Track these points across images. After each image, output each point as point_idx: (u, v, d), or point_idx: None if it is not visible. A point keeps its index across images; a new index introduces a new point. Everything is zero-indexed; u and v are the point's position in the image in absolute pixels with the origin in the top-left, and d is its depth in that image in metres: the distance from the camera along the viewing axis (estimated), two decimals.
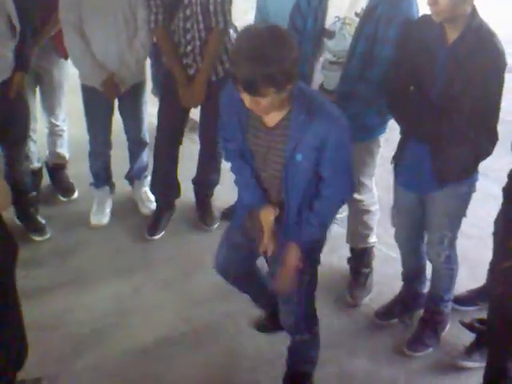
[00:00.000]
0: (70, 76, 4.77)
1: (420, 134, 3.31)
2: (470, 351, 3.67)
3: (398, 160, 3.55)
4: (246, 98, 2.64)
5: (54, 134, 4.91)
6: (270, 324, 3.81)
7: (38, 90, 4.73)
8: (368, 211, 4.04)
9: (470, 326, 3.68)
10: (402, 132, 3.52)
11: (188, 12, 4.09)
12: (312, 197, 2.93)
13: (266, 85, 2.53)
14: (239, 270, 3.39)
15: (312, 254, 3.14)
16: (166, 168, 4.65)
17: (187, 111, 4.52)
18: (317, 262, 3.23)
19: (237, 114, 2.86)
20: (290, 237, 2.99)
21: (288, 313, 3.30)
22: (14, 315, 3.00)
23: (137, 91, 4.54)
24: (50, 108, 4.81)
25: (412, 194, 3.58)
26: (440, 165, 3.31)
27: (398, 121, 3.47)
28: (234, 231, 3.31)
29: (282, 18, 3.59)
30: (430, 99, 3.23)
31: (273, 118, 2.79)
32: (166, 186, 4.71)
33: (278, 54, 2.51)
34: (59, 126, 4.91)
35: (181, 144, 4.62)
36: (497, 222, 3.63)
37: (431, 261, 3.72)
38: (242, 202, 3.21)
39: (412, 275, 3.91)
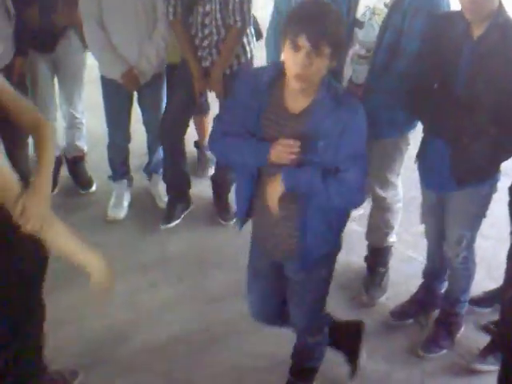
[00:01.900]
0: (88, 67, 4.77)
1: (441, 131, 3.28)
2: (484, 354, 3.64)
3: (420, 159, 3.53)
4: (298, 59, 2.60)
5: (72, 126, 4.92)
6: None
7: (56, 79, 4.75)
8: (391, 209, 4.01)
9: (485, 329, 3.67)
10: (424, 130, 3.49)
11: (207, 8, 4.09)
12: None
13: (325, 41, 2.57)
14: (275, 319, 3.40)
15: (328, 261, 3.13)
16: (174, 158, 4.65)
17: (195, 103, 4.51)
18: (332, 269, 3.20)
19: (256, 98, 2.81)
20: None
21: (300, 316, 3.28)
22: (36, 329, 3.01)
23: (156, 83, 4.53)
24: (67, 99, 4.82)
25: (433, 192, 3.56)
26: (459, 165, 3.27)
27: (420, 118, 3.44)
28: (255, 256, 3.24)
29: None
30: (453, 95, 3.20)
31: (299, 104, 2.76)
32: (175, 176, 4.71)
33: (336, 19, 2.64)
34: (78, 119, 4.91)
35: (184, 134, 4.60)
36: None
37: (449, 261, 3.69)
38: (241, 194, 3.10)
39: (433, 272, 3.89)
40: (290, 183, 2.78)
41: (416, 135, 3.78)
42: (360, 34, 3.50)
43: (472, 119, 3.11)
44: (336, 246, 3.14)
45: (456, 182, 3.33)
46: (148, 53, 4.30)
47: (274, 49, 3.94)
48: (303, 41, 2.58)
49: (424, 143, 3.50)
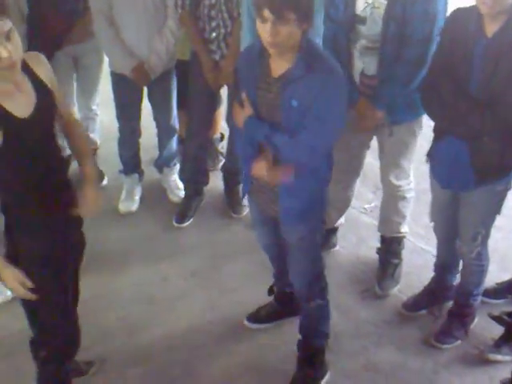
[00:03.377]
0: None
1: (458, 131, 3.26)
2: (498, 344, 3.64)
3: (432, 157, 3.52)
4: (266, 29, 2.72)
5: (87, 118, 4.94)
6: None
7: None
8: (404, 198, 4.01)
9: (498, 319, 3.65)
10: (436, 130, 3.47)
11: (213, 0, 4.09)
12: None
13: (289, 9, 2.66)
14: (275, 250, 3.56)
15: (317, 213, 3.23)
16: (196, 153, 4.66)
17: (216, 94, 4.52)
18: (323, 221, 3.32)
19: (251, 70, 2.97)
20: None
21: (297, 277, 3.39)
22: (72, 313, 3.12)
23: (166, 78, 4.54)
24: (86, 92, 4.84)
25: (447, 190, 3.54)
26: (480, 162, 3.25)
27: (435, 118, 3.41)
28: (251, 205, 3.47)
29: None
30: (468, 93, 3.17)
31: (279, 69, 2.88)
32: (195, 172, 4.73)
33: None
34: (93, 111, 4.95)
35: (211, 129, 4.63)
36: None
37: (462, 256, 3.68)
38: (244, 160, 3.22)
39: (445, 266, 3.88)
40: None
41: (424, 132, 3.80)
42: (363, 29, 3.52)
43: (492, 117, 3.09)
44: (316, 204, 3.20)
45: (476, 180, 3.30)
46: (158, 48, 4.30)
47: (248, 31, 3.90)
48: (267, 13, 2.69)
49: (436, 142, 3.45)
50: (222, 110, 4.89)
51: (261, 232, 3.53)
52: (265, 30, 2.74)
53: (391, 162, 3.88)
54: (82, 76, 4.77)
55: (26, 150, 2.65)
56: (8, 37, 2.47)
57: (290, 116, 2.87)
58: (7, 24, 2.47)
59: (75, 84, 4.82)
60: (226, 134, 5.03)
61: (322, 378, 3.54)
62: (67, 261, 2.94)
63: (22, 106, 2.63)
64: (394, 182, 3.91)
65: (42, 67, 2.78)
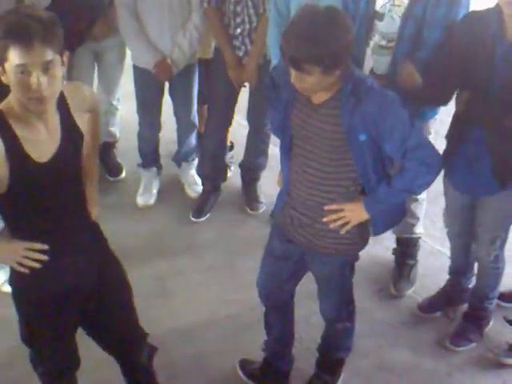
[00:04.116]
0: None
1: (479, 137, 3.24)
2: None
3: (448, 162, 3.50)
4: (292, 74, 2.64)
5: (108, 112, 4.92)
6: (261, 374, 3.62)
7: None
8: (415, 200, 4.00)
9: None
10: (451, 134, 3.45)
11: None
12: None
13: (310, 64, 2.55)
14: (279, 296, 3.37)
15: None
16: (214, 150, 4.67)
17: (237, 92, 4.53)
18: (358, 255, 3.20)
19: (286, 89, 2.84)
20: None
21: (328, 307, 3.32)
22: None
23: (188, 73, 4.54)
24: (108, 86, 4.85)
25: (464, 196, 3.52)
26: (501, 166, 3.23)
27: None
28: (274, 235, 3.25)
29: None
30: (488, 99, 3.15)
31: (320, 96, 2.77)
32: (213, 169, 4.74)
33: (327, 36, 2.53)
34: (113, 105, 4.95)
35: (230, 125, 4.64)
36: None
37: (479, 259, 3.68)
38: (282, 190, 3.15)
39: (459, 270, 3.88)
40: (373, 211, 2.91)
41: (439, 130, 3.79)
42: (380, 25, 3.49)
43: None
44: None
45: (499, 184, 3.28)
46: (181, 43, 4.31)
47: (275, 25, 3.90)
48: (288, 63, 2.62)
49: (452, 146, 3.42)
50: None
51: (272, 268, 3.28)
52: (292, 74, 2.66)
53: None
54: (103, 72, 4.77)
55: (39, 195, 2.47)
56: (46, 68, 2.25)
57: (362, 152, 2.78)
58: (48, 54, 2.25)
59: (96, 79, 4.82)
60: (236, 142, 5.08)
61: (338, 380, 3.56)
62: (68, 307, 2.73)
63: (42, 146, 2.42)
64: None
65: (80, 101, 2.56)
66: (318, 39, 2.53)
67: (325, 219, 2.92)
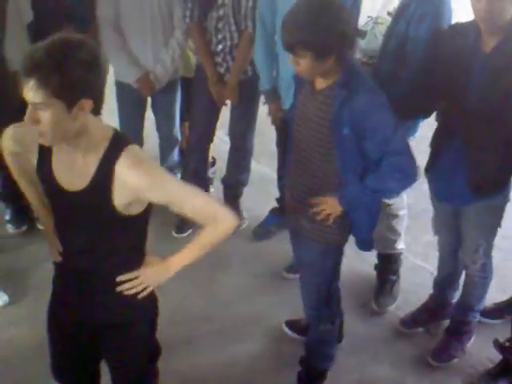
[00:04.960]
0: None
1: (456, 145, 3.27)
2: (495, 375, 3.60)
3: (431, 172, 3.53)
4: (290, 56, 2.80)
5: None
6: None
7: None
8: (396, 216, 4.01)
9: (500, 348, 3.60)
10: (433, 144, 3.48)
11: (221, 12, 4.12)
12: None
13: (302, 49, 2.71)
14: None
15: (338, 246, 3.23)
16: (197, 166, 4.67)
17: (219, 108, 4.53)
18: (341, 253, 3.29)
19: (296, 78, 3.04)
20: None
21: (311, 299, 3.38)
22: None
23: (171, 89, 4.55)
24: None
25: (446, 204, 3.55)
26: (476, 177, 3.26)
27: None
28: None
29: None
30: (464, 106, 3.18)
31: (320, 83, 2.90)
32: (195, 185, 4.70)
33: (317, 24, 2.68)
34: None
35: (212, 141, 4.64)
36: None
37: (466, 268, 3.67)
38: None
39: (446, 281, 3.88)
40: (345, 205, 3.00)
41: (419, 146, 3.79)
42: (362, 43, 3.53)
43: (493, 132, 3.11)
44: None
45: (473, 193, 3.31)
46: (164, 59, 4.32)
47: (261, 39, 3.97)
48: (284, 47, 2.80)
49: (433, 156, 3.48)
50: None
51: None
52: (290, 58, 2.82)
53: None
54: None
55: (56, 216, 2.52)
56: (35, 108, 2.15)
57: (344, 145, 2.87)
58: (38, 96, 2.13)
59: None
60: (218, 157, 5.08)
61: None
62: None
63: (72, 177, 2.35)
64: (386, 200, 3.90)
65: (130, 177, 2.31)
66: (308, 26, 2.68)
67: (310, 211, 3.04)
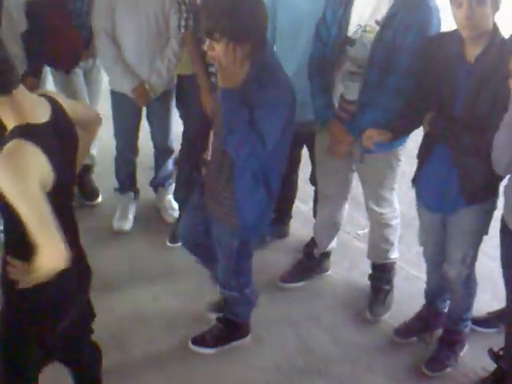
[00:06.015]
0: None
1: (446, 154, 3.29)
2: None
3: (418, 182, 3.54)
4: (206, 43, 2.98)
5: None
6: None
7: None
8: (389, 225, 4.01)
9: (495, 357, 3.60)
10: (420, 154, 3.50)
11: None
12: None
13: (219, 33, 2.89)
14: (198, 239, 3.76)
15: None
16: (190, 175, 4.66)
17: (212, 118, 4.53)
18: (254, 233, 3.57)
19: None
20: None
21: (221, 270, 3.70)
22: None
23: (165, 99, 4.57)
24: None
25: (434, 214, 3.55)
26: (468, 182, 3.28)
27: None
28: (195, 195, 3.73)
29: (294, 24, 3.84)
30: (453, 118, 3.21)
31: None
32: (188, 194, 4.73)
33: (236, 9, 2.87)
34: None
35: (205, 151, 4.64)
36: None
37: (451, 281, 3.65)
38: None
39: (435, 292, 3.88)
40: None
41: (407, 152, 3.81)
42: (351, 51, 3.53)
43: (481, 139, 3.12)
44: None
45: (466, 200, 3.33)
46: (159, 68, 4.33)
47: None
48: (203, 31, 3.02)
49: (423, 166, 3.48)
50: None
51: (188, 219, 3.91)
52: (205, 44, 3.00)
53: (370, 190, 3.90)
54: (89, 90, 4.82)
55: None
56: None
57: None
58: None
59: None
60: None
61: None
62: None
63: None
64: (377, 209, 3.92)
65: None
66: (227, 12, 2.86)
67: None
